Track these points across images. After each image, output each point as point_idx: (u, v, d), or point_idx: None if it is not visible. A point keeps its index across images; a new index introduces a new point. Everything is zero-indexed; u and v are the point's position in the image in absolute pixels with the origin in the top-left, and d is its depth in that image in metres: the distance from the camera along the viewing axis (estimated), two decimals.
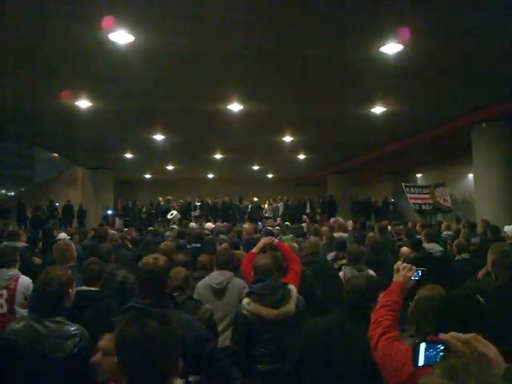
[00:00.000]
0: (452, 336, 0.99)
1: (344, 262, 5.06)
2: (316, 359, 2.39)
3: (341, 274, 4.40)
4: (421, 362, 1.09)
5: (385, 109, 10.32)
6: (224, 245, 6.24)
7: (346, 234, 7.72)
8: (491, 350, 0.98)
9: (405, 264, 2.33)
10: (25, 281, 4.09)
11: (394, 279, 2.29)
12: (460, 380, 0.84)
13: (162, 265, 2.40)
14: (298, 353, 2.54)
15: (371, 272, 4.29)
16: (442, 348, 1.05)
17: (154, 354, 1.25)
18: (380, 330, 1.95)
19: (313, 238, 5.88)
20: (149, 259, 2.44)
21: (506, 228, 7.71)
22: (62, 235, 7.02)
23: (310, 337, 2.50)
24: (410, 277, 2.24)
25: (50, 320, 2.27)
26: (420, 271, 2.29)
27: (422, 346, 1.09)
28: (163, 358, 1.27)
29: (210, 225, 10.99)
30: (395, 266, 2.36)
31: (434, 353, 1.07)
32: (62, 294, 2.37)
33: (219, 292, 3.76)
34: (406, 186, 12.59)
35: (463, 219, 11.98)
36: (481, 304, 1.75)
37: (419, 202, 12.04)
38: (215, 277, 3.86)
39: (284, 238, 7.39)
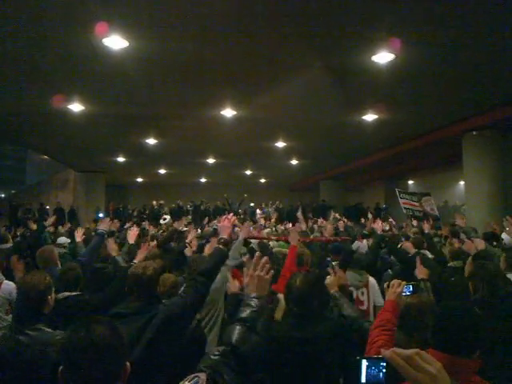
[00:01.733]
0: (394, 352, 0.95)
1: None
2: (278, 363, 2.36)
3: None
4: (363, 379, 1.07)
5: (376, 116, 10.39)
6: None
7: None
8: (435, 367, 0.95)
9: (394, 280, 2.34)
10: (8, 286, 3.98)
11: (386, 298, 2.30)
12: None
13: (150, 273, 2.40)
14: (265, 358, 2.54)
15: (371, 277, 4.32)
16: (383, 365, 1.03)
17: (99, 361, 1.25)
18: (374, 351, 1.97)
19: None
20: (137, 268, 2.44)
21: (504, 235, 7.71)
22: (63, 239, 6.90)
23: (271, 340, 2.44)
24: (399, 293, 2.24)
25: (31, 328, 2.24)
26: (411, 286, 2.29)
27: (364, 362, 1.07)
28: (109, 365, 1.27)
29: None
30: (385, 285, 2.38)
31: (377, 370, 1.06)
32: (40, 302, 2.34)
33: None
34: (399, 191, 12.72)
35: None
36: (478, 316, 1.76)
37: (411, 207, 12.15)
38: None
39: (279, 243, 7.37)
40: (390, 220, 11.46)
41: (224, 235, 2.89)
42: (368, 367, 1.06)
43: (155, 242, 5.43)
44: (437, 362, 0.96)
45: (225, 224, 2.99)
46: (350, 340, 2.41)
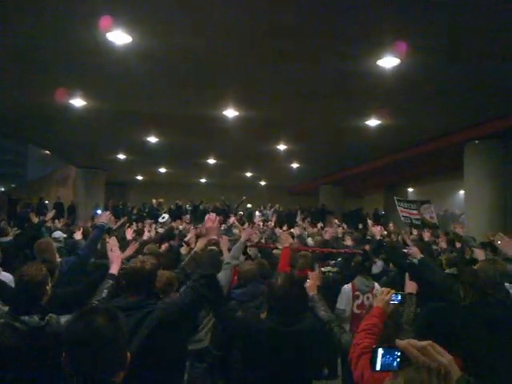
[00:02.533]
0: (409, 343, 1.03)
1: (329, 269, 5.16)
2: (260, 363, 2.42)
3: (349, 284, 4.43)
4: (378, 367, 1.13)
5: (379, 122, 10.38)
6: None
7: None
8: (446, 358, 1.02)
9: (382, 288, 2.42)
10: (4, 278, 4.00)
11: (374, 304, 2.37)
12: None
13: (149, 268, 2.40)
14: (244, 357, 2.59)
15: (376, 283, 4.41)
16: (398, 354, 1.09)
17: (99, 351, 1.27)
18: (358, 351, 2.02)
19: (295, 244, 5.94)
20: (136, 263, 2.44)
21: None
22: (58, 233, 6.91)
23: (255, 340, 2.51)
24: (387, 300, 2.29)
25: (29, 317, 2.24)
26: (400, 295, 2.34)
27: (380, 351, 1.13)
28: (109, 354, 1.29)
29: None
30: (374, 291, 2.44)
31: (391, 359, 1.11)
32: (38, 292, 2.36)
33: None
34: (397, 199, 12.70)
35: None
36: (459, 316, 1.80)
37: (410, 216, 12.12)
38: None
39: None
40: (391, 225, 11.44)
41: (212, 236, 2.94)
42: (383, 355, 1.12)
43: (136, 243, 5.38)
44: (449, 354, 1.03)
45: (210, 225, 3.01)
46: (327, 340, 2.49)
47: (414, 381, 1.01)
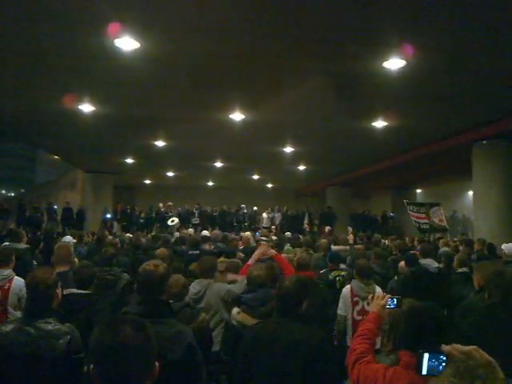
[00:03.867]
0: (454, 348, 1.04)
1: (342, 273, 5.06)
2: (259, 366, 2.33)
3: (348, 286, 4.37)
4: (424, 371, 1.16)
5: (386, 123, 10.36)
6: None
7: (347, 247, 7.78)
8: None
9: (378, 294, 2.46)
10: (18, 282, 4.08)
11: (371, 309, 2.38)
12: (469, 381, 0.95)
13: (161, 272, 2.38)
14: (243, 360, 2.46)
15: (378, 287, 4.30)
16: (444, 358, 1.10)
17: (128, 362, 1.25)
18: (354, 357, 2.04)
19: (301, 254, 5.88)
20: (149, 265, 2.41)
21: (504, 246, 7.67)
22: (68, 238, 6.99)
23: (250, 343, 2.42)
24: (383, 305, 2.29)
25: (41, 321, 2.28)
26: (395, 299, 2.32)
27: (426, 355, 1.16)
28: (138, 365, 1.27)
29: (206, 232, 10.97)
30: (369, 296, 2.42)
31: (437, 363, 1.14)
32: (49, 296, 2.39)
33: (197, 301, 3.76)
34: (407, 203, 12.65)
35: (465, 235, 12.01)
36: (442, 315, 1.89)
37: (418, 220, 12.09)
38: (193, 286, 3.86)
39: (286, 248, 7.38)
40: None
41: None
42: (429, 359, 1.16)
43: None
44: (493, 359, 1.04)
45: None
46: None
47: (463, 369, 1.01)
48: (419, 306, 1.97)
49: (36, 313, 2.31)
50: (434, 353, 1.14)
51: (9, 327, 2.27)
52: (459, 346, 1.04)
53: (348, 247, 7.93)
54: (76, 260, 4.42)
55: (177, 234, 10.75)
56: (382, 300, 2.32)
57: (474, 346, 1.04)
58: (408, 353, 1.75)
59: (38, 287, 2.35)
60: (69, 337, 2.24)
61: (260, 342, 2.32)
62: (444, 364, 1.10)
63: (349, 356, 2.10)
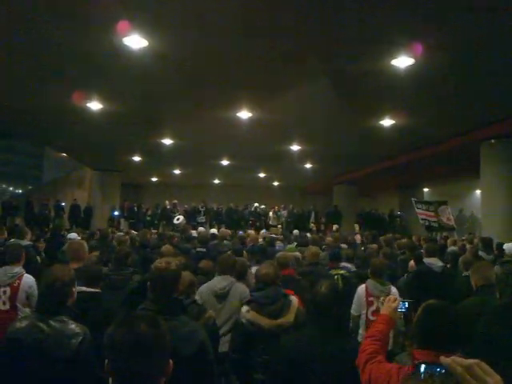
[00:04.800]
0: (454, 360, 0.95)
1: (341, 272, 5.07)
2: (300, 375, 2.32)
3: (362, 286, 4.34)
4: None
5: (394, 121, 10.31)
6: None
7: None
8: (494, 379, 0.93)
9: (389, 296, 2.42)
10: (28, 279, 4.12)
11: (381, 311, 2.38)
12: None
13: (174, 269, 2.37)
14: (279, 368, 2.44)
15: (393, 287, 4.27)
16: (442, 372, 1.02)
17: (143, 358, 1.26)
18: (365, 357, 2.05)
19: (313, 248, 5.82)
20: (161, 263, 2.40)
21: (506, 246, 7.63)
22: (73, 235, 7.05)
23: (288, 352, 2.41)
24: (394, 308, 2.29)
25: (54, 319, 2.29)
26: (407, 303, 2.32)
27: (422, 367, 1.07)
28: (152, 361, 1.28)
29: (213, 230, 11.00)
30: (381, 299, 2.42)
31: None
32: (64, 294, 2.39)
33: (222, 297, 3.79)
34: (415, 201, 12.60)
35: (473, 235, 11.92)
36: (456, 313, 1.91)
37: (427, 218, 12.04)
38: (218, 281, 3.88)
39: (288, 247, 7.41)
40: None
41: None
42: (425, 371, 1.06)
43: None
44: (496, 375, 0.94)
45: None
46: None
47: None
48: (433, 305, 1.96)
49: (50, 310, 2.32)
50: (431, 365, 1.04)
51: (23, 323, 2.29)
52: (459, 359, 0.95)
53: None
54: None
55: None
56: (393, 303, 2.32)
57: (477, 360, 0.95)
58: (424, 351, 1.75)
59: (55, 284, 2.35)
60: (81, 337, 2.24)
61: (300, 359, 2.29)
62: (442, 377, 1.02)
63: (360, 356, 2.10)
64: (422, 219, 12.12)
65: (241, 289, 3.87)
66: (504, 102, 8.88)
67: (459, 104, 9.01)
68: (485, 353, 1.93)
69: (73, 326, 2.29)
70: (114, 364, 1.28)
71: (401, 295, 4.45)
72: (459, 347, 1.77)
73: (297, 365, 2.30)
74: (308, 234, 10.69)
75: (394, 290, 4.24)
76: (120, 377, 1.27)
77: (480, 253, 6.59)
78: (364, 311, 4.20)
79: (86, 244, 4.44)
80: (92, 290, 3.29)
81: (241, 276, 4.17)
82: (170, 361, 1.34)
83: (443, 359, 0.97)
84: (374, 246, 7.82)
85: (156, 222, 18.04)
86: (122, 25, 5.83)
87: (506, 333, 2.31)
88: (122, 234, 9.30)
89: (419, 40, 6.12)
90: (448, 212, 11.89)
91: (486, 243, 7.24)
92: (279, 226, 17.31)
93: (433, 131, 11.26)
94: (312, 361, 2.27)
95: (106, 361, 1.30)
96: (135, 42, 6.33)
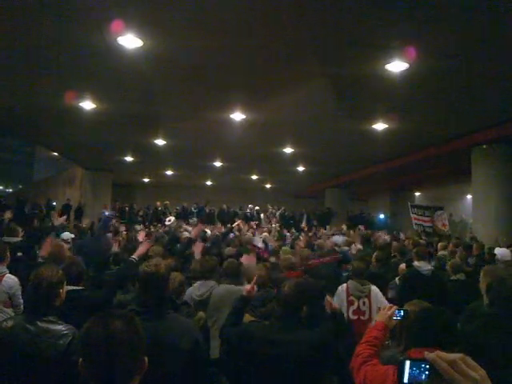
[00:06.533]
0: (438, 355, 0.95)
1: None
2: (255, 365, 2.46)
3: (343, 285, 4.37)
4: (405, 380, 1.09)
5: (386, 126, 10.37)
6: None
7: (346, 248, 7.83)
8: (479, 373, 0.93)
9: (385, 305, 2.51)
10: (9, 280, 4.01)
11: (377, 318, 2.44)
12: None
13: (163, 272, 2.38)
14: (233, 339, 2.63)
15: (373, 286, 4.29)
16: (427, 367, 1.04)
17: (117, 355, 1.25)
18: (360, 360, 2.10)
19: (305, 251, 5.88)
20: (149, 266, 2.39)
21: (497, 251, 7.70)
22: (66, 235, 6.94)
23: (251, 332, 2.56)
24: (390, 315, 2.35)
25: (42, 320, 2.26)
26: (402, 311, 2.36)
27: (407, 363, 1.08)
28: (127, 358, 1.27)
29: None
30: (372, 296, 2.47)
31: (418, 371, 1.06)
32: (52, 294, 2.37)
33: (201, 304, 3.70)
34: (411, 205, 12.65)
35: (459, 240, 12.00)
36: (451, 315, 1.97)
37: (422, 223, 12.09)
38: (197, 288, 3.81)
39: (283, 249, 7.40)
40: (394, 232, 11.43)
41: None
42: (410, 367, 1.08)
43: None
44: (481, 369, 0.94)
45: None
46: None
47: None
48: (428, 308, 2.01)
49: (38, 310, 2.29)
50: (416, 361, 1.06)
51: (9, 323, 2.26)
52: (444, 354, 0.94)
53: (346, 248, 7.96)
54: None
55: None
56: (389, 310, 2.38)
57: (461, 355, 0.94)
58: (418, 350, 1.76)
59: (41, 285, 2.33)
60: (70, 338, 2.22)
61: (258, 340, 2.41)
62: (427, 373, 1.03)
63: (354, 360, 2.13)
64: (417, 224, 12.17)
65: (223, 290, 3.77)
66: (495, 108, 8.97)
67: (451, 109, 9.09)
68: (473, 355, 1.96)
69: (61, 326, 2.27)
70: (88, 361, 1.27)
71: (392, 299, 4.49)
72: (456, 346, 1.80)
73: (255, 345, 2.45)
74: (300, 237, 10.68)
75: (374, 288, 4.26)
76: (94, 374, 1.26)
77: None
78: (344, 310, 4.21)
79: (65, 246, 4.40)
80: (76, 287, 3.25)
81: (234, 277, 3.99)
82: (145, 358, 1.33)
83: (427, 354, 0.96)
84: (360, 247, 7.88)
85: (147, 223, 17.93)
86: (117, 24, 5.80)
87: (493, 343, 2.33)
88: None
89: (413, 45, 6.16)
90: (444, 217, 11.96)
91: (466, 247, 7.38)
92: (273, 225, 17.24)
93: (425, 136, 11.34)
94: (270, 344, 2.42)
95: (80, 359, 1.28)
96: (129, 41, 6.29)
